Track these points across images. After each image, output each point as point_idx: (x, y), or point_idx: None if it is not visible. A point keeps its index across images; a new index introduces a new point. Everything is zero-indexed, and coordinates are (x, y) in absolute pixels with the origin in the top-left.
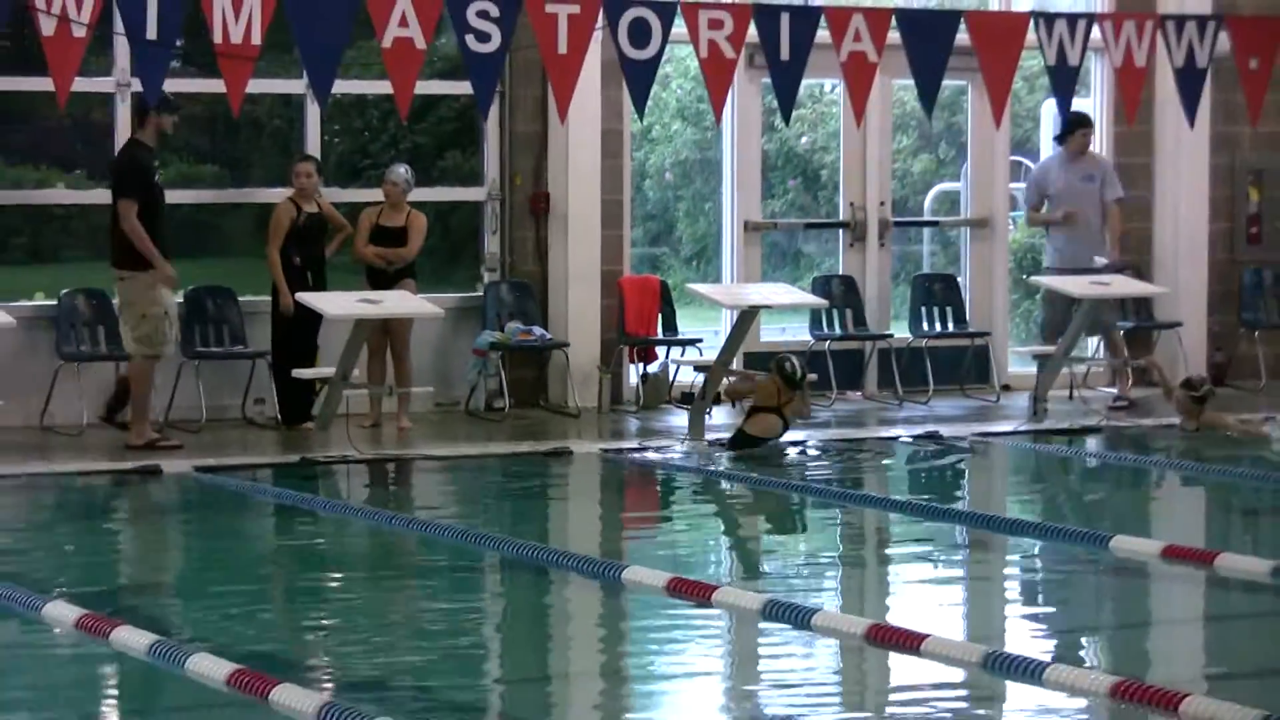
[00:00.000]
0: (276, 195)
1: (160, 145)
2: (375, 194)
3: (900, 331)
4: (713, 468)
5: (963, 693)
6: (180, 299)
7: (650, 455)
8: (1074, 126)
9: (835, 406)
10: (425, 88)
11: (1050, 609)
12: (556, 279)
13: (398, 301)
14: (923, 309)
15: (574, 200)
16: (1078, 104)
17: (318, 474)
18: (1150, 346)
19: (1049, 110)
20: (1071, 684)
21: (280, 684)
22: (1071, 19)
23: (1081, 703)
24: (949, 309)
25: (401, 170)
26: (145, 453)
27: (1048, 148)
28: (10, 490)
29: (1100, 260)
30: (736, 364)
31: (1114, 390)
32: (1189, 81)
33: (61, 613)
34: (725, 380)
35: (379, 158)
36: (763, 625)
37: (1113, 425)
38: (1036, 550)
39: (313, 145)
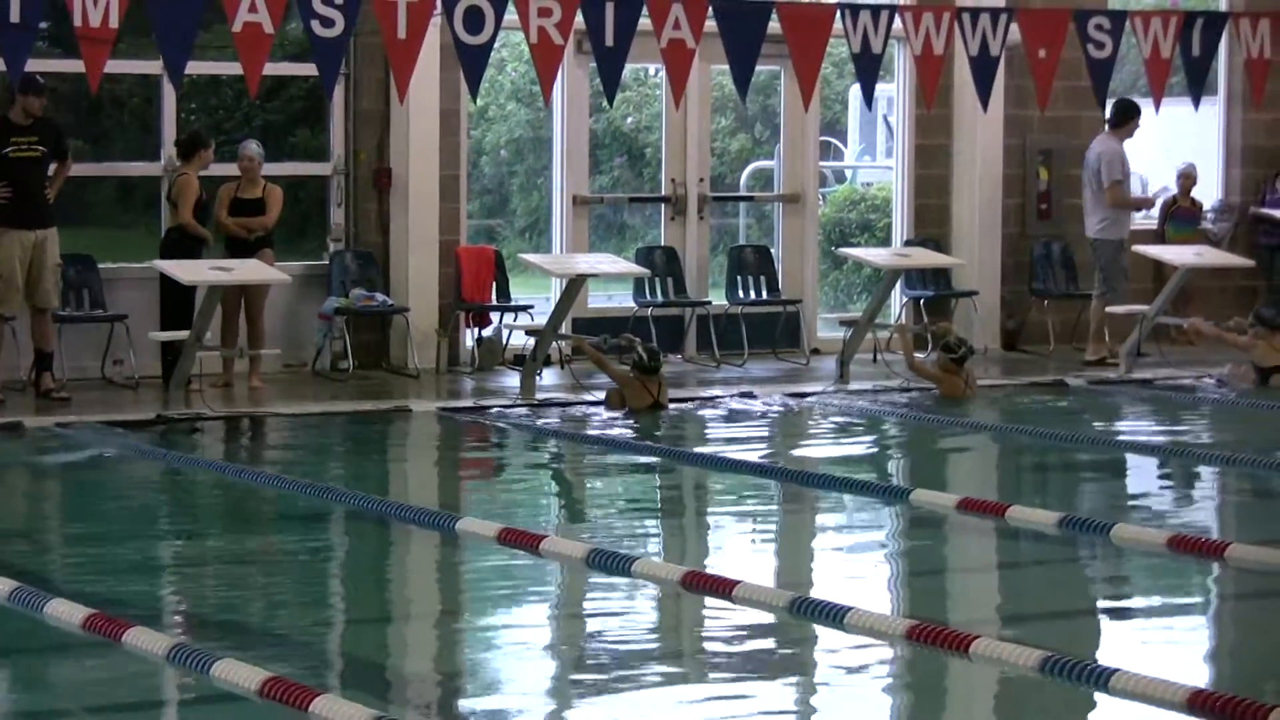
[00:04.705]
0: (137, 169)
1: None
2: (228, 168)
3: (718, 299)
4: (545, 425)
5: (770, 635)
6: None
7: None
8: (1132, 114)
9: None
10: (275, 69)
11: (854, 557)
12: (398, 248)
13: (248, 269)
14: (738, 278)
15: (414, 175)
16: (881, 89)
17: (173, 430)
18: (948, 313)
19: (855, 94)
20: (870, 627)
21: (133, 627)
22: (875, 10)
23: (880, 644)
24: (763, 278)
25: (253, 145)
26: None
27: (855, 129)
28: None
29: None
30: (565, 328)
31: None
32: (983, 69)
33: None
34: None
35: (232, 134)
36: (587, 573)
37: (916, 386)
38: (843, 503)
39: (169, 123)
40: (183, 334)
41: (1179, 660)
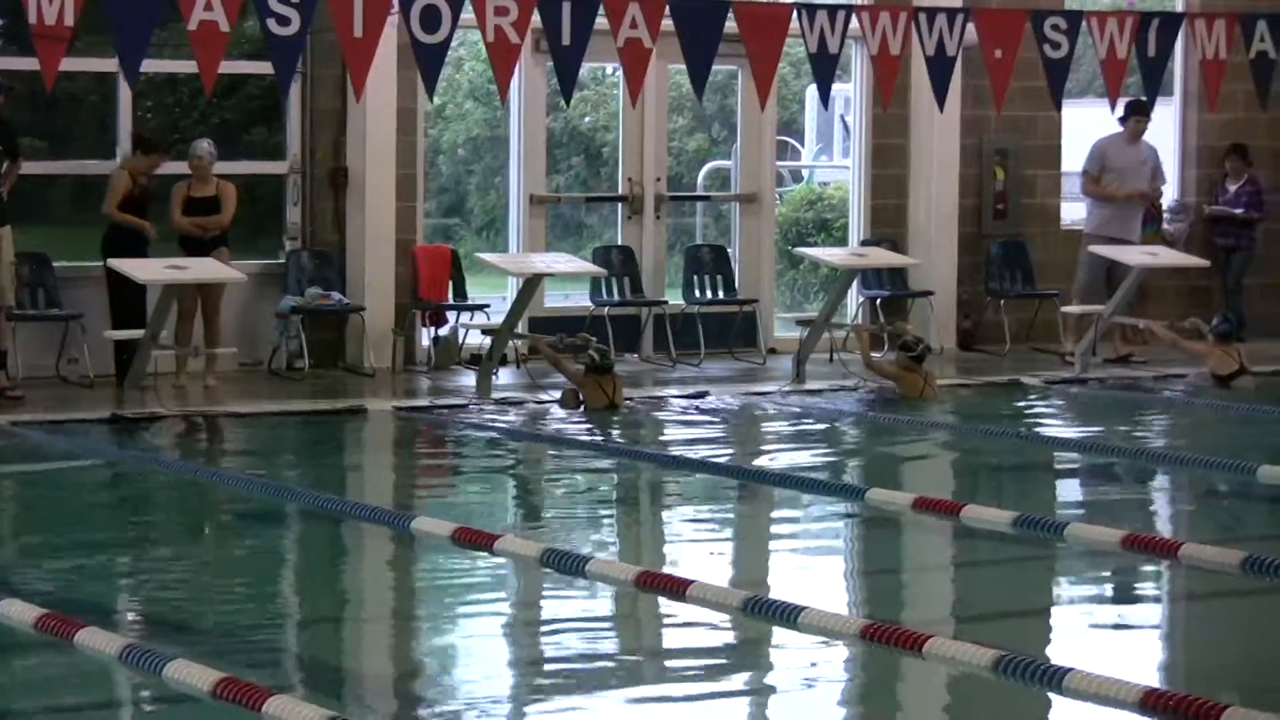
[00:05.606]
0: (93, 167)
1: None
2: (180, 167)
3: (674, 298)
4: (501, 425)
5: (725, 635)
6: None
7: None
8: (1133, 113)
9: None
10: (231, 67)
11: (809, 556)
12: (354, 247)
13: (203, 267)
14: (695, 278)
15: (371, 174)
16: (838, 89)
17: (128, 429)
18: (904, 313)
19: (812, 94)
20: (824, 626)
21: (85, 628)
22: (832, 10)
23: (835, 643)
24: (719, 278)
25: (204, 144)
26: None
27: (812, 129)
28: None
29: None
30: (522, 327)
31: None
32: (939, 69)
33: None
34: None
35: (189, 133)
36: (541, 572)
37: (871, 385)
38: (799, 501)
39: (125, 121)
40: (138, 333)
41: (1133, 659)
